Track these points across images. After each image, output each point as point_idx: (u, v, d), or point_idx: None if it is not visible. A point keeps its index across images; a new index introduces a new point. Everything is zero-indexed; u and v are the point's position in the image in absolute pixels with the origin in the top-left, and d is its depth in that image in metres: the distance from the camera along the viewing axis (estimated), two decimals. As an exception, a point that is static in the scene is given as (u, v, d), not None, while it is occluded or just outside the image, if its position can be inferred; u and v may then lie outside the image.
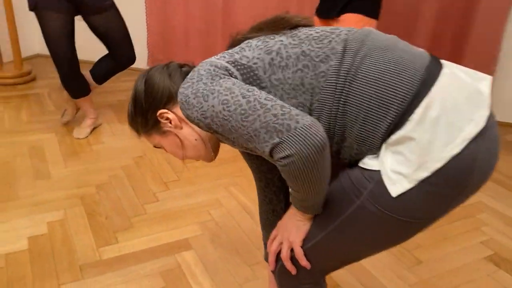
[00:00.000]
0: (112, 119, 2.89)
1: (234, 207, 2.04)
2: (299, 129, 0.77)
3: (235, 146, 0.92)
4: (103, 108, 3.04)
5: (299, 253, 0.96)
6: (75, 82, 2.56)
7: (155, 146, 1.09)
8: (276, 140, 0.78)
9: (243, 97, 0.84)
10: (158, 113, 1.01)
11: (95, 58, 2.75)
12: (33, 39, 4.03)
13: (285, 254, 0.97)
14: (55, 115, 2.91)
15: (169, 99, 1.00)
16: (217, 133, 0.89)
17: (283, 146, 0.78)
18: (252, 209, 2.02)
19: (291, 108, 0.81)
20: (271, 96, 0.85)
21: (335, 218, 0.91)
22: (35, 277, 1.58)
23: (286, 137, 0.78)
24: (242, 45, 0.97)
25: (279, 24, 0.97)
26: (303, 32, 0.94)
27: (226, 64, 0.91)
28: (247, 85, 0.88)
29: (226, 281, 1.60)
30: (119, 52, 2.60)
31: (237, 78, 0.90)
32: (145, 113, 1.02)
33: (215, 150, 1.08)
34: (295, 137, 0.77)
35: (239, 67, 0.91)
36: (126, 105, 3.14)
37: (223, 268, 1.66)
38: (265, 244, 1.32)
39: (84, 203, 2.01)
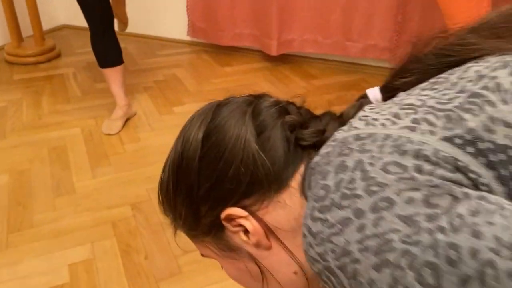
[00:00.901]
0: (148, 108, 2.37)
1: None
2: None
3: None
4: (137, 93, 2.52)
5: None
6: (105, 42, 2.07)
7: (202, 255, 0.55)
8: None
9: None
10: (223, 215, 0.46)
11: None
12: (56, 7, 3.51)
13: None
14: (81, 102, 2.42)
15: (252, 187, 0.45)
16: None
17: None
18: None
19: None
20: None
21: None
22: None
23: None
24: (466, 83, 0.39)
25: None
26: None
27: (450, 149, 0.35)
28: None
29: None
30: None
31: (491, 191, 0.35)
32: (195, 205, 0.47)
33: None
34: None
35: (489, 154, 0.35)
36: (165, 87, 2.60)
37: None
38: None
39: (116, 233, 1.53)
